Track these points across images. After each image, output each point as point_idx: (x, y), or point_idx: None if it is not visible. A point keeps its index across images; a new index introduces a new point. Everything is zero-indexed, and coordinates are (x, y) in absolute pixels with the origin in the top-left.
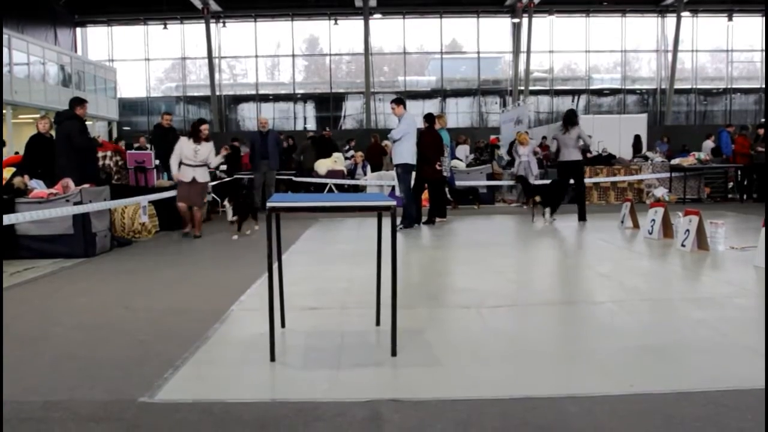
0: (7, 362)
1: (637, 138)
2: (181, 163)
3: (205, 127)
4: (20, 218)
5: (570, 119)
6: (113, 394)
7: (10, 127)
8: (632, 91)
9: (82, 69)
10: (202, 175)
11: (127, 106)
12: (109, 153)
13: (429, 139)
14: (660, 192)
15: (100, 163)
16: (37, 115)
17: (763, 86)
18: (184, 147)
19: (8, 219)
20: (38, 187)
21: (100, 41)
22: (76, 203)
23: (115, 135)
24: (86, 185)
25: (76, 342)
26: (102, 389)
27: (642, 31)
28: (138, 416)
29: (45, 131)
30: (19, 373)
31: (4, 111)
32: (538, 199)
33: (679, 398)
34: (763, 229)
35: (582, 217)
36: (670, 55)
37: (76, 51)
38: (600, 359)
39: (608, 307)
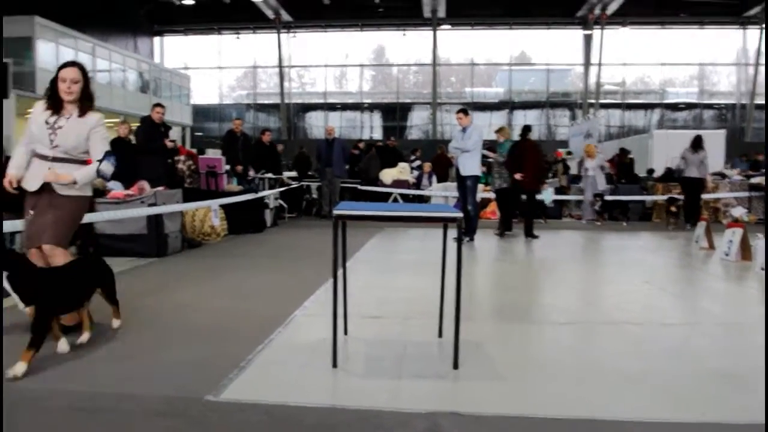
0: (85, 356)
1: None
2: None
3: (70, 75)
4: (97, 217)
5: (700, 143)
6: (181, 390)
7: None
8: (709, 106)
9: (158, 76)
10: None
11: (200, 113)
12: (182, 157)
13: (533, 152)
14: (738, 212)
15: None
16: (117, 120)
17: None
18: (33, 122)
19: (87, 218)
20: (116, 189)
21: (176, 50)
22: (150, 205)
23: (188, 140)
24: (160, 188)
25: (147, 339)
26: (170, 385)
27: (721, 43)
28: (202, 413)
29: (124, 135)
30: (94, 367)
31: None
32: (674, 209)
33: (754, 430)
34: None
35: (693, 222)
36: (751, 69)
37: (153, 59)
38: (670, 384)
39: (680, 330)
